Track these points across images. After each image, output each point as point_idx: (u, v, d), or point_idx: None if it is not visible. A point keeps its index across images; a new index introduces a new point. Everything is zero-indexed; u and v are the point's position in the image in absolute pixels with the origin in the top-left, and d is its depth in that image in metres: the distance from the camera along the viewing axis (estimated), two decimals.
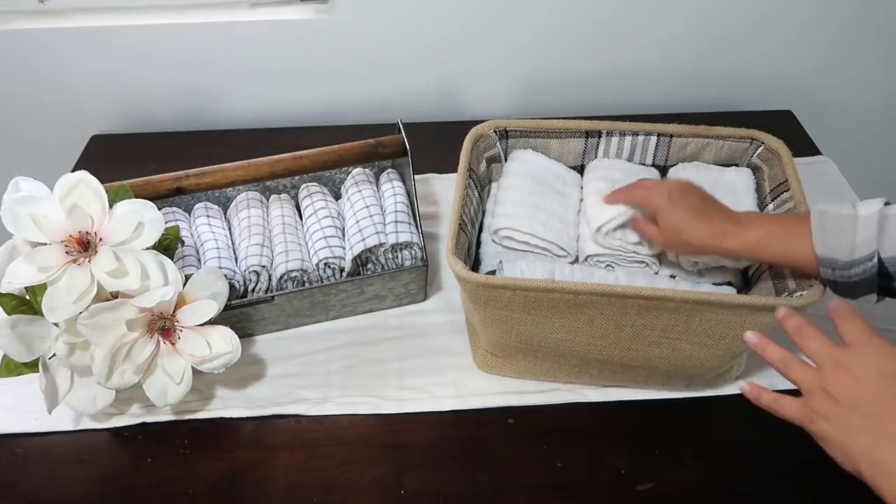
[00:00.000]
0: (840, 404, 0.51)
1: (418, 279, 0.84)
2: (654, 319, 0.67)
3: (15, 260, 0.66)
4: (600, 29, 1.10)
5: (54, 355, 0.68)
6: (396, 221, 0.83)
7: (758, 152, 0.82)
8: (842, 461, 0.51)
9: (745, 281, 0.78)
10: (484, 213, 0.86)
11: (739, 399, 0.57)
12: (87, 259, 0.67)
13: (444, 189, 1.02)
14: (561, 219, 0.81)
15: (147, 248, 0.70)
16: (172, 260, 0.72)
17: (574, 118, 0.85)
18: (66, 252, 0.67)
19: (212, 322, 0.72)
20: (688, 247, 0.70)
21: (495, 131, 0.85)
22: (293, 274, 0.81)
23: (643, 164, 0.86)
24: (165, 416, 0.76)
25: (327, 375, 0.80)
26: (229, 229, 0.87)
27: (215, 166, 0.80)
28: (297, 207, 0.90)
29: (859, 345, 0.52)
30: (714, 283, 0.76)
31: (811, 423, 0.52)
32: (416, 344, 0.83)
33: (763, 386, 0.56)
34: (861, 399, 0.50)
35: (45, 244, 0.67)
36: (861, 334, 0.53)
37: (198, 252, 0.82)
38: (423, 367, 0.80)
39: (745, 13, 1.09)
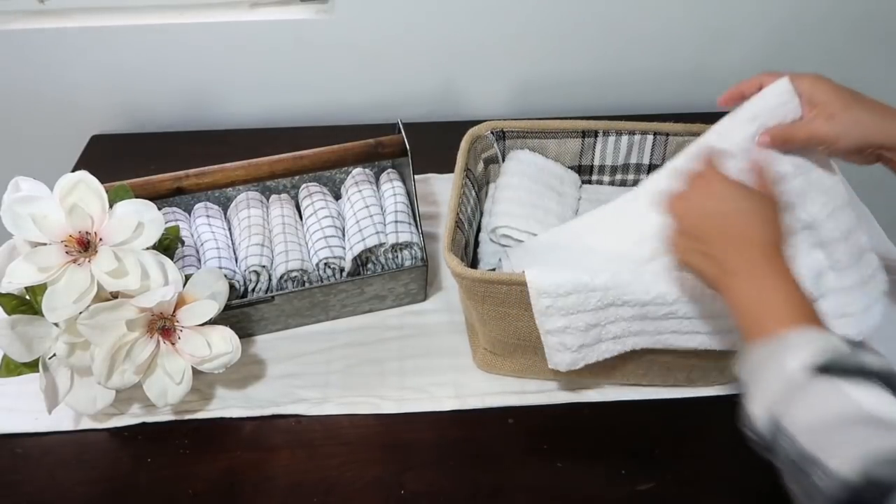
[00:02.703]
0: (690, 236, 0.60)
1: (418, 279, 0.84)
2: None
3: (15, 260, 0.66)
4: (599, 29, 1.10)
5: (54, 355, 0.68)
6: (396, 221, 0.83)
7: None
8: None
9: None
10: (482, 213, 0.86)
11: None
12: (87, 259, 0.67)
13: (445, 189, 1.02)
14: (559, 217, 0.81)
15: (147, 248, 0.70)
16: (172, 260, 0.72)
17: (572, 118, 0.85)
18: (66, 252, 0.67)
19: (212, 322, 0.72)
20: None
21: (492, 132, 0.85)
22: (293, 274, 0.81)
23: (639, 163, 0.86)
24: (165, 416, 0.76)
25: (327, 375, 0.80)
26: (229, 229, 0.87)
27: (215, 166, 0.80)
28: (297, 207, 0.90)
29: (700, 178, 0.62)
30: None
31: (676, 250, 0.62)
32: (416, 344, 0.83)
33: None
34: (704, 237, 0.59)
35: (45, 244, 0.67)
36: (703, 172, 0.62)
37: (198, 252, 0.82)
38: (423, 367, 0.80)
39: (746, 13, 1.09)
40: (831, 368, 0.47)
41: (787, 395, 0.47)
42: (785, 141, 0.64)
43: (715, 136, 0.68)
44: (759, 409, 0.49)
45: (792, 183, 0.65)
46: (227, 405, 0.77)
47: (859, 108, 0.61)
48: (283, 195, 0.90)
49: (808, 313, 0.53)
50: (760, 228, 0.57)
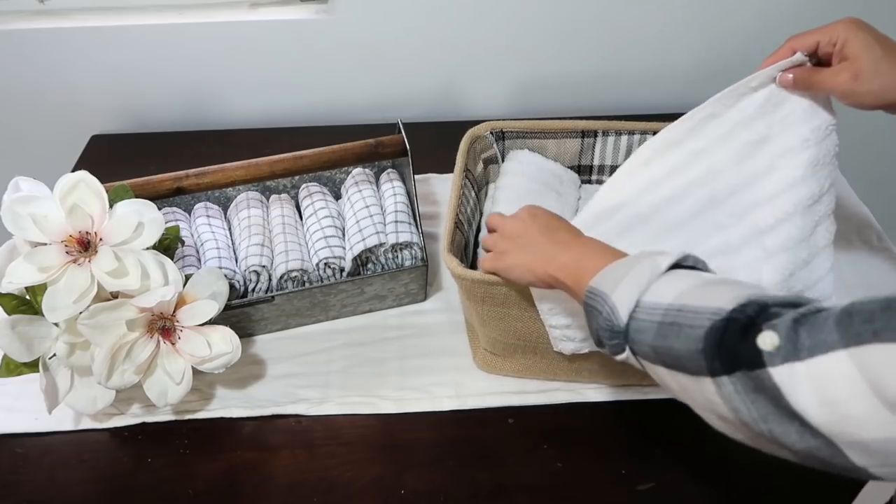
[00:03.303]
0: (515, 241, 0.64)
1: (418, 279, 0.84)
2: None
3: (15, 260, 0.66)
4: (599, 29, 1.10)
5: (54, 355, 0.68)
6: (396, 221, 0.83)
7: None
8: (529, 279, 0.62)
9: None
10: (482, 213, 0.86)
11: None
12: (88, 259, 0.67)
13: (444, 189, 1.02)
14: None
15: (147, 248, 0.70)
16: (172, 260, 0.72)
17: (571, 118, 0.85)
18: (67, 252, 0.67)
19: (212, 322, 0.72)
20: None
21: (492, 132, 0.85)
22: (293, 274, 0.81)
23: None
24: (165, 416, 0.76)
25: (327, 375, 0.80)
26: (229, 229, 0.87)
27: (215, 166, 0.80)
28: (297, 207, 0.90)
29: (513, 216, 0.67)
30: None
31: (499, 261, 0.65)
32: (416, 344, 0.83)
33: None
34: (528, 233, 0.64)
35: (45, 244, 0.67)
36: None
37: (198, 252, 0.82)
38: (423, 367, 0.80)
39: (745, 12, 1.09)
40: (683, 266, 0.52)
41: (653, 284, 0.50)
42: (807, 86, 0.64)
43: (717, 105, 0.68)
44: (625, 296, 0.50)
45: (803, 155, 0.65)
46: (227, 405, 0.77)
47: (890, 66, 0.60)
48: (283, 195, 0.90)
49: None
50: (556, 220, 0.65)
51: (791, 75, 0.64)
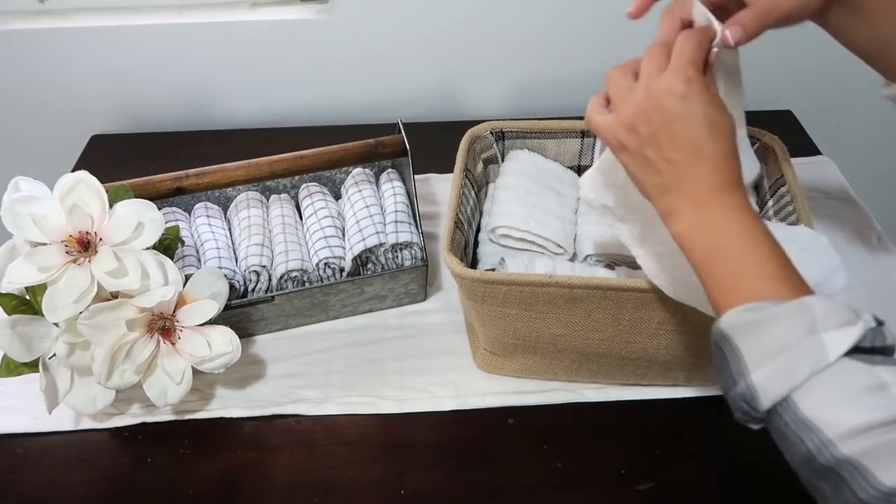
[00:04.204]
0: (638, 134, 0.49)
1: (418, 279, 0.84)
2: (651, 312, 0.67)
3: (15, 260, 0.66)
4: (599, 29, 1.10)
5: (54, 355, 0.68)
6: (396, 221, 0.83)
7: (753, 150, 0.82)
8: (641, 190, 0.51)
9: None
10: (481, 213, 0.86)
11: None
12: (87, 259, 0.67)
13: (444, 189, 1.02)
14: (558, 216, 0.81)
15: (147, 248, 0.70)
16: (172, 260, 0.72)
17: (571, 118, 0.85)
18: (66, 252, 0.67)
19: (212, 322, 0.72)
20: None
21: (492, 132, 0.85)
22: (293, 274, 0.81)
23: None
24: (165, 416, 0.76)
25: (327, 375, 0.80)
26: (229, 229, 0.87)
27: (215, 166, 0.80)
28: (297, 207, 0.90)
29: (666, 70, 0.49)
30: None
31: (617, 151, 0.52)
32: (416, 344, 0.83)
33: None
34: (653, 129, 0.48)
35: (45, 244, 0.67)
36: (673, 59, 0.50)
37: (198, 252, 0.82)
38: (423, 367, 0.80)
39: None
40: (860, 348, 0.40)
41: (814, 379, 0.40)
42: (762, 26, 0.52)
43: None
44: (771, 385, 0.41)
45: None
46: (227, 405, 0.77)
47: None
48: (283, 195, 0.90)
49: (789, 267, 0.45)
50: (713, 142, 0.47)
51: (743, 32, 0.52)
